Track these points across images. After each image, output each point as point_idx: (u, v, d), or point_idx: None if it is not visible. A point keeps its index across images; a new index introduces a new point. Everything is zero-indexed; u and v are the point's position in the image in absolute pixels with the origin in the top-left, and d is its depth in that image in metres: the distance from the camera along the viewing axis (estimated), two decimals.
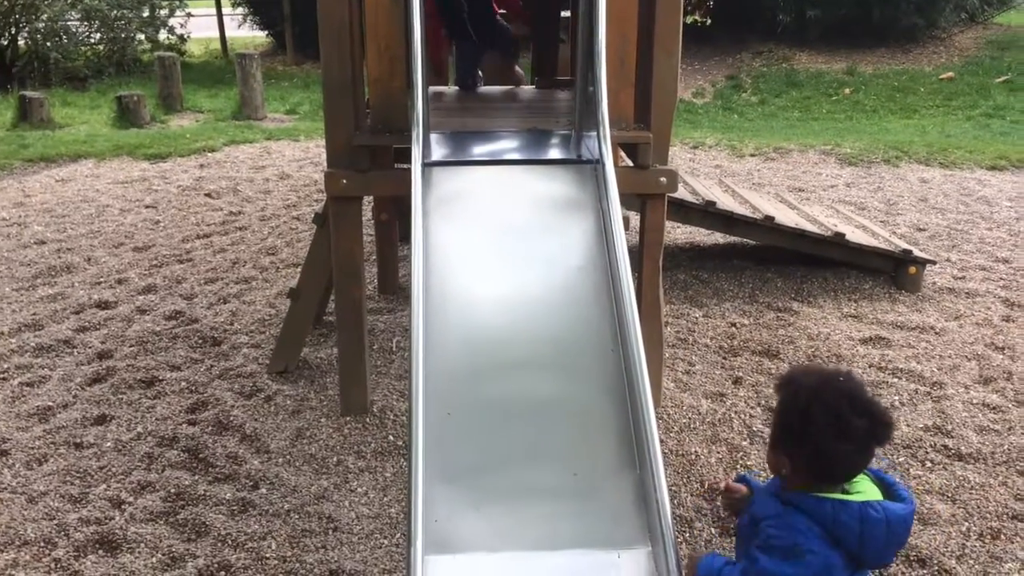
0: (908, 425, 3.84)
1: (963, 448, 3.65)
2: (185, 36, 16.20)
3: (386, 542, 3.10)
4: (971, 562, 2.97)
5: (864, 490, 1.84)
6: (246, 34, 18.74)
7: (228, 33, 18.01)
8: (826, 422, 1.77)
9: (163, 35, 15.80)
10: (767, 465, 2.00)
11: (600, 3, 3.20)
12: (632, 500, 2.39)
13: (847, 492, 1.84)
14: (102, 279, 5.67)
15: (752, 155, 9.42)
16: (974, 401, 4.06)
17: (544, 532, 2.34)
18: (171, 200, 7.60)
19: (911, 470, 3.50)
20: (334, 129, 3.57)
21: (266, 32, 18.57)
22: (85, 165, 8.86)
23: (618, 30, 3.35)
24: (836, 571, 1.80)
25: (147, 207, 7.39)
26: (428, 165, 3.18)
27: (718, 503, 1.96)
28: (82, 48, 14.64)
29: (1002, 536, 3.11)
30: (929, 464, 3.55)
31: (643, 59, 3.54)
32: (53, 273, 5.78)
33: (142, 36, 15.40)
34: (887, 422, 1.81)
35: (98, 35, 14.84)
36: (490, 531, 2.35)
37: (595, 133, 3.21)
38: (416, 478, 2.27)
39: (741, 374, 4.34)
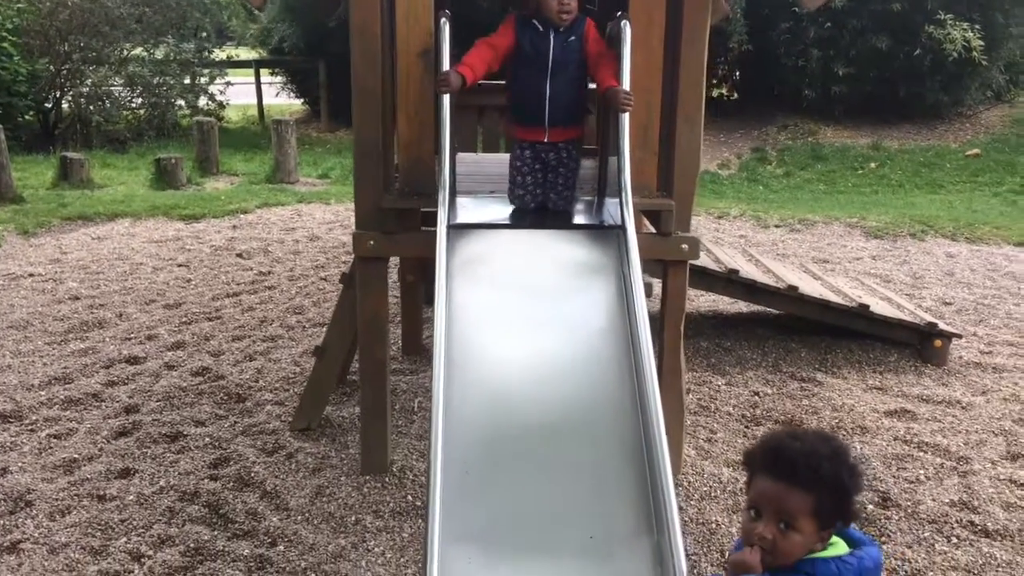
0: (934, 500, 3.78)
1: (990, 525, 3.59)
2: (224, 103, 16.68)
3: None
4: None
5: (835, 541, 1.84)
6: (283, 102, 19.28)
7: (265, 100, 18.54)
8: (859, 474, 1.83)
9: (203, 101, 16.29)
10: (785, 556, 1.82)
11: (625, 74, 3.30)
12: (649, 564, 2.38)
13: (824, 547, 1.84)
14: (132, 335, 5.77)
15: (777, 226, 9.47)
16: (1001, 477, 3.99)
17: None
18: (203, 259, 7.75)
19: (936, 546, 3.44)
20: (363, 191, 3.66)
21: (302, 100, 19.10)
22: (121, 224, 9.08)
23: (642, 100, 3.44)
24: None
25: (179, 266, 7.54)
26: (453, 227, 3.25)
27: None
28: (124, 112, 15.11)
29: None
30: (955, 540, 3.49)
31: (666, 128, 3.62)
32: (85, 328, 5.89)
33: (182, 102, 15.89)
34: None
35: (140, 100, 15.33)
36: None
37: (618, 200, 3.28)
38: (432, 537, 2.27)
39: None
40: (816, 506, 1.78)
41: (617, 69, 3.35)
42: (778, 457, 1.81)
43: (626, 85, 3.31)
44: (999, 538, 3.50)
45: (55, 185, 10.87)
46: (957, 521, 3.61)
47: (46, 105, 14.56)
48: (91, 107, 14.37)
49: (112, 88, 14.84)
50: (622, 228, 3.17)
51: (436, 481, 2.38)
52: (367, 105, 3.58)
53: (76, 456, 4.10)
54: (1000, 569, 3.29)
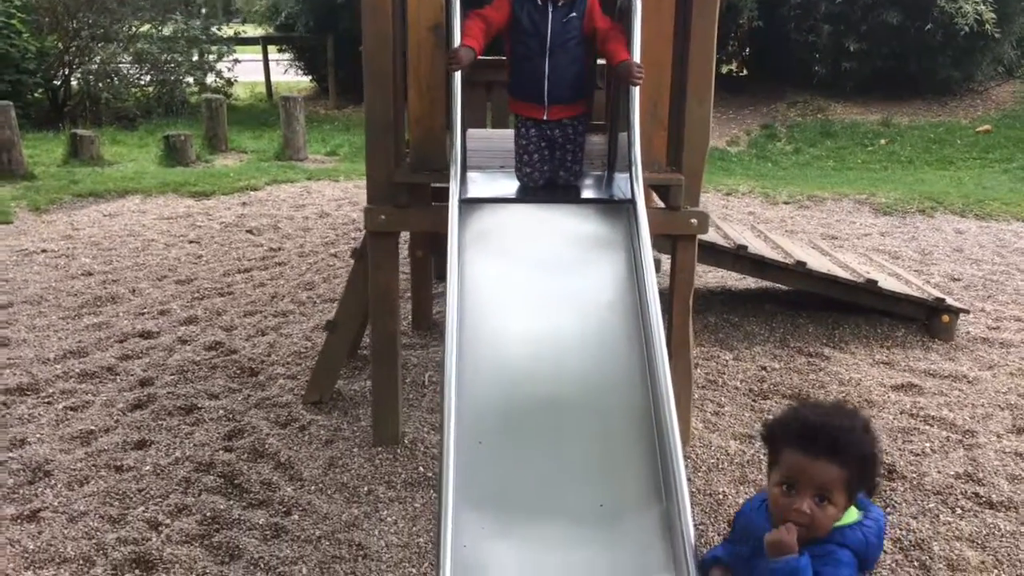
0: (939, 472, 3.82)
1: (994, 496, 3.63)
2: (232, 80, 16.66)
3: (414, 571, 3.15)
4: None
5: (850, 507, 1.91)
6: (291, 79, 19.26)
7: (273, 78, 18.51)
8: (878, 444, 1.91)
9: (211, 78, 16.28)
10: (819, 528, 1.87)
11: (636, 49, 3.32)
12: (658, 531, 2.43)
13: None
14: (145, 310, 5.83)
15: (786, 203, 9.46)
16: (1006, 450, 4.03)
17: (572, 561, 2.38)
18: (214, 236, 7.80)
19: (941, 516, 3.48)
20: (375, 166, 3.69)
21: (310, 77, 19.07)
22: (132, 201, 9.12)
23: (652, 73, 3.45)
24: None
25: (191, 242, 7.59)
26: (465, 202, 3.28)
27: None
28: (132, 89, 15.12)
29: None
30: (960, 511, 3.53)
31: (676, 103, 3.63)
32: (99, 303, 5.95)
33: (191, 79, 15.89)
34: None
35: (148, 77, 15.34)
36: (517, 558, 2.39)
37: (627, 174, 3.30)
38: (446, 504, 2.32)
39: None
40: (849, 479, 1.84)
41: (628, 42, 3.35)
42: (813, 433, 1.85)
43: (637, 59, 3.32)
44: (1003, 509, 3.54)
45: (65, 162, 10.91)
46: (962, 493, 3.66)
47: (55, 82, 14.57)
48: (100, 84, 14.38)
49: (120, 65, 14.84)
50: (632, 202, 3.20)
51: (449, 448, 2.43)
52: (378, 80, 3.60)
53: (92, 428, 4.16)
54: (1004, 539, 3.33)
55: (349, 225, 8.27)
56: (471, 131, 4.85)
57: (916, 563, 3.18)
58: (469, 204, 3.30)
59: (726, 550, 2.13)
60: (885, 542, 2.05)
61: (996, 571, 3.14)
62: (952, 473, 3.81)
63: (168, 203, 9.11)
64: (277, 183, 10.17)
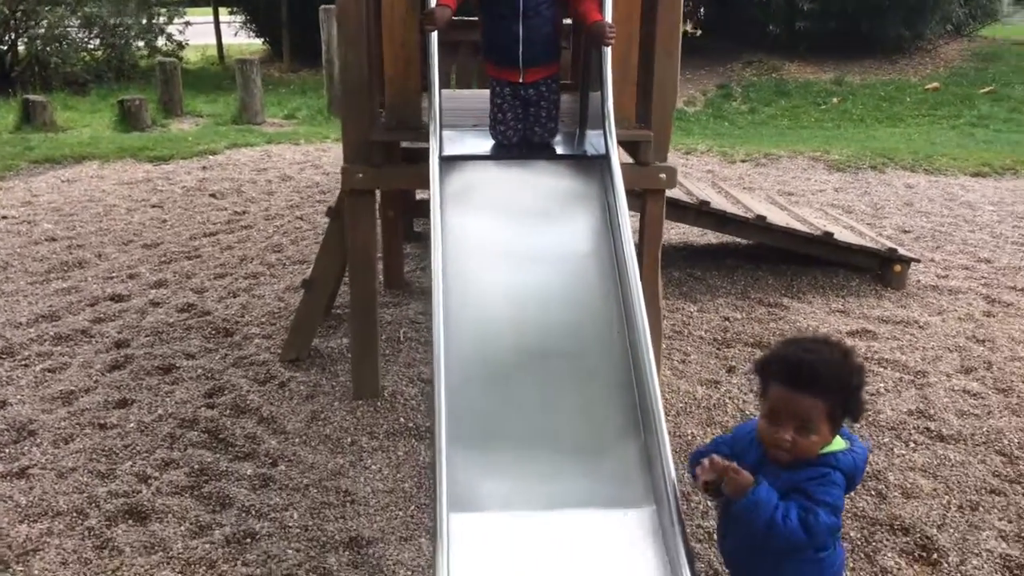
0: (893, 410, 4.05)
1: (944, 430, 3.86)
2: (183, 43, 16.37)
3: (401, 513, 3.28)
4: (951, 531, 3.17)
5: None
6: (242, 41, 18.95)
7: (224, 40, 18.21)
8: (862, 372, 2.03)
9: (161, 42, 15.98)
10: (805, 453, 2.02)
11: (608, 7, 3.41)
12: (637, 464, 2.59)
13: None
14: (114, 274, 5.83)
15: (743, 161, 9.66)
16: (955, 388, 4.27)
17: (557, 493, 2.53)
18: (176, 200, 7.77)
19: (895, 450, 3.71)
20: (351, 125, 3.76)
21: (262, 40, 18.78)
22: (89, 167, 9.02)
23: (623, 32, 3.55)
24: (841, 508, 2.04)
25: (153, 207, 7.55)
26: (443, 159, 3.36)
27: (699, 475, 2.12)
28: (81, 54, 14.80)
29: (980, 508, 3.31)
30: (912, 444, 3.76)
31: (644, 59, 3.74)
32: (66, 268, 5.94)
33: (140, 43, 15.58)
34: None
35: (97, 41, 15.01)
36: (506, 492, 2.54)
37: (600, 131, 3.41)
38: (440, 442, 2.45)
39: (734, 363, 4.54)
40: (830, 410, 1.99)
41: (600, 2, 3.44)
42: (793, 369, 2.00)
43: (608, 19, 3.42)
44: (952, 442, 3.78)
45: (18, 128, 10.72)
46: (915, 428, 3.88)
47: (1, 47, 14.21)
48: (48, 49, 14.05)
49: (68, 29, 14.51)
50: (607, 158, 3.32)
51: (440, 390, 2.55)
52: (352, 40, 3.66)
53: (73, 388, 4.21)
54: (953, 468, 3.56)
55: (313, 188, 8.28)
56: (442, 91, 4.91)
57: (873, 492, 3.39)
58: (448, 162, 3.38)
59: (718, 449, 2.24)
60: None
61: (947, 497, 3.37)
62: (905, 410, 4.04)
63: (127, 168, 9.02)
64: (236, 147, 10.11)
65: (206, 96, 13.95)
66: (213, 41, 18.07)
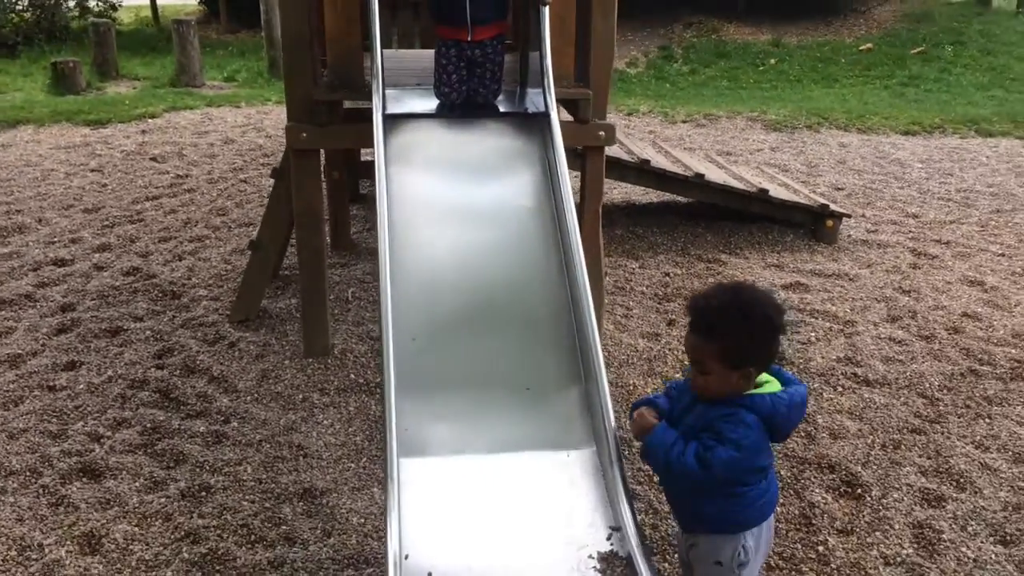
0: (823, 357, 4.25)
1: (870, 375, 4.08)
2: (116, 4, 15.94)
3: (353, 465, 3.37)
4: (874, 467, 3.38)
5: (769, 379, 2.17)
6: (177, 2, 18.50)
7: (159, 0, 17.75)
8: (774, 324, 2.10)
9: (93, 2, 15.53)
10: (706, 390, 2.13)
11: None
12: (579, 408, 2.72)
13: (758, 385, 2.16)
14: (56, 239, 5.77)
15: (684, 121, 9.83)
16: (881, 336, 4.49)
17: (502, 437, 2.65)
18: (116, 164, 7.66)
19: (824, 394, 3.91)
20: (294, 84, 3.78)
21: (199, 0, 18.36)
22: (24, 131, 8.83)
23: None
24: (765, 451, 2.15)
25: (92, 171, 7.45)
26: (387, 117, 3.42)
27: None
28: (9, 15, 14.32)
29: (902, 446, 3.52)
30: (840, 389, 3.96)
31: (582, 20, 3.82)
32: (5, 233, 5.86)
33: (71, 3, 15.13)
34: (784, 312, 2.17)
35: (26, 2, 14.54)
36: (454, 437, 2.64)
37: (539, 89, 3.50)
38: (389, 391, 2.54)
39: (674, 317, 4.71)
40: (722, 352, 2.08)
41: None
42: (689, 313, 2.14)
43: None
44: (878, 386, 3.99)
45: None
46: (843, 374, 4.09)
47: None
48: None
49: None
50: (547, 115, 3.40)
51: (388, 342, 2.63)
52: None
53: (20, 352, 4.21)
54: (878, 411, 3.77)
55: (256, 151, 8.23)
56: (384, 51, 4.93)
57: (803, 433, 3.58)
58: (392, 120, 3.44)
59: (668, 392, 2.35)
60: None
61: (871, 437, 3.57)
62: (834, 358, 4.25)
63: (63, 132, 8.85)
64: (176, 110, 9.96)
65: (142, 58, 13.64)
66: (147, 1, 17.59)
